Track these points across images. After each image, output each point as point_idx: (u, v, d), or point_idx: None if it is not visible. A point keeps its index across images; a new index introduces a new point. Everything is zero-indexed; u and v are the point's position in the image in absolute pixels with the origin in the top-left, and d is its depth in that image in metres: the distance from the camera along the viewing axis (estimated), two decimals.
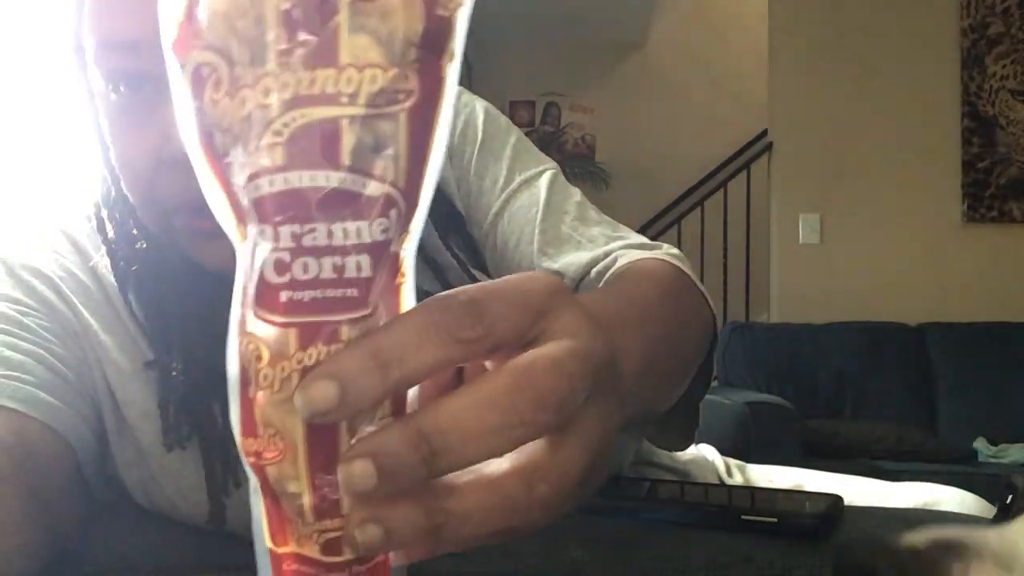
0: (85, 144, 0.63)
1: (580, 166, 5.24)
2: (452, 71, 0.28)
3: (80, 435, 0.58)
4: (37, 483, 0.51)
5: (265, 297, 0.27)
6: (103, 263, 0.64)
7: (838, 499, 0.65)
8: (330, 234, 0.26)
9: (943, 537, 0.35)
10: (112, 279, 0.64)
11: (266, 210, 0.27)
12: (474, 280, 0.70)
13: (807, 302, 3.79)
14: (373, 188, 0.27)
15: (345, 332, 0.27)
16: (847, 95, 3.85)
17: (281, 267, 0.27)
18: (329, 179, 0.26)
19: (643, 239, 0.72)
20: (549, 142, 5.33)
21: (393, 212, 0.27)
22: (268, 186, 0.26)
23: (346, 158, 0.26)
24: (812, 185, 3.90)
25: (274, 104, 0.26)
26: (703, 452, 0.93)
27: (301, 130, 0.26)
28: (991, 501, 0.83)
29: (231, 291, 0.74)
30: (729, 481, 0.90)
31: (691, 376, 0.63)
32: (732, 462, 0.94)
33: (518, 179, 0.73)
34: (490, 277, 0.73)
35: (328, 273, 0.27)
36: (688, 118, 5.33)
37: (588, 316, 0.30)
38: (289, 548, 0.28)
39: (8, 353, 0.56)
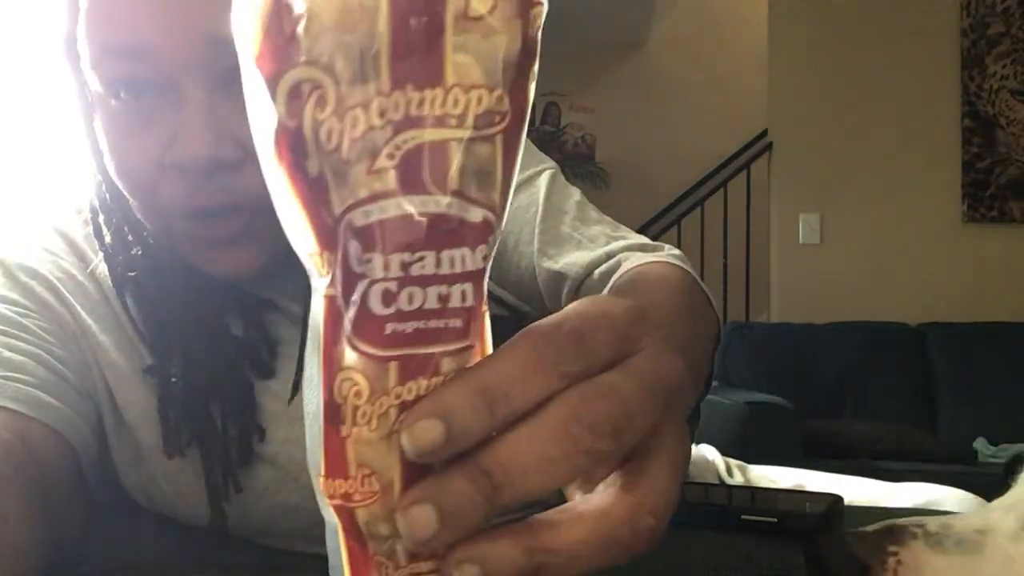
0: (79, 149, 0.63)
1: (580, 166, 5.24)
2: (532, 92, 0.27)
3: (81, 436, 0.58)
4: (39, 484, 0.51)
5: (366, 329, 0.25)
6: (101, 268, 0.64)
7: (838, 499, 0.65)
8: (438, 262, 0.26)
9: (891, 522, 0.36)
10: (111, 282, 0.64)
11: (375, 237, 0.25)
12: None
13: (807, 302, 3.79)
14: (475, 214, 0.26)
15: (446, 364, 0.26)
16: (847, 95, 3.85)
17: (388, 298, 0.25)
18: (439, 204, 0.25)
19: (644, 239, 0.71)
20: (549, 142, 5.33)
21: (491, 238, 0.27)
22: (379, 212, 0.25)
23: (454, 182, 0.26)
24: (812, 185, 3.90)
25: (386, 126, 0.25)
26: (703, 452, 0.93)
27: (412, 153, 0.25)
28: (991, 501, 0.83)
29: (228, 297, 0.73)
30: (729, 481, 0.90)
31: (701, 382, 0.63)
32: (732, 462, 0.93)
33: (517, 179, 0.72)
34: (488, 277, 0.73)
35: (433, 303, 0.26)
36: (688, 118, 5.33)
37: (664, 339, 0.30)
38: None
39: (8, 354, 0.56)
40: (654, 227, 4.55)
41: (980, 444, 3.13)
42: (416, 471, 0.26)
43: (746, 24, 5.04)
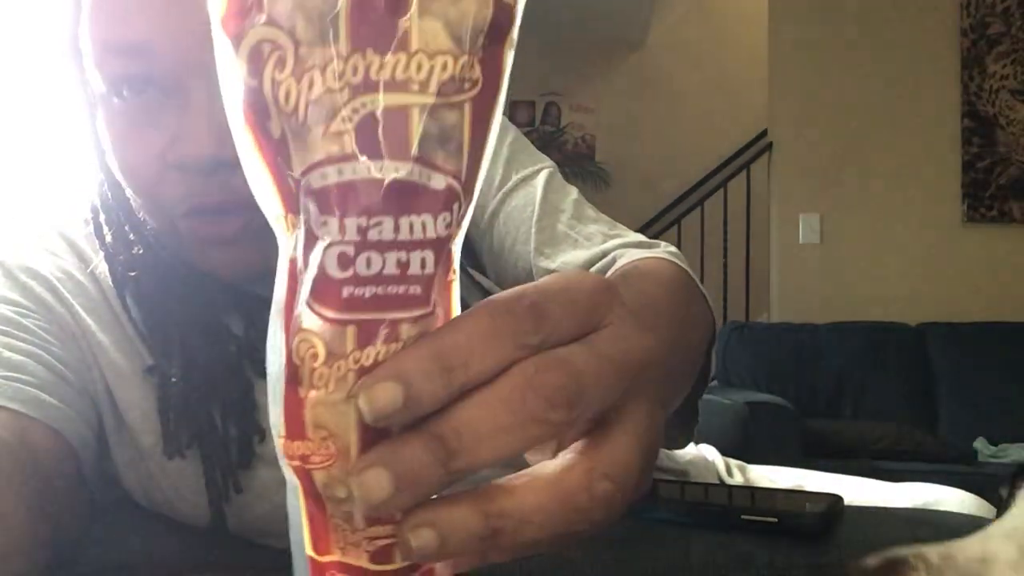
0: (80, 148, 0.63)
1: (580, 166, 5.24)
2: (510, 59, 0.27)
3: (81, 436, 0.58)
4: (39, 484, 0.51)
5: (324, 292, 0.26)
6: (102, 268, 0.64)
7: (838, 499, 0.65)
8: (396, 228, 0.25)
9: (892, 555, 0.36)
10: (111, 282, 0.64)
11: (330, 201, 0.25)
12: (471, 280, 0.70)
13: (807, 302, 3.79)
14: (438, 181, 0.26)
15: (405, 331, 0.26)
16: (847, 95, 3.85)
17: (344, 261, 0.25)
18: (398, 170, 0.25)
19: (641, 237, 0.71)
20: (549, 142, 5.33)
21: (455, 206, 0.26)
22: (336, 175, 0.25)
23: (414, 148, 0.25)
24: (812, 185, 3.90)
25: (344, 89, 0.25)
26: (703, 452, 0.93)
27: (370, 117, 0.25)
28: (991, 501, 0.83)
29: (228, 297, 0.73)
30: (729, 481, 0.90)
31: (693, 378, 0.63)
32: (732, 462, 0.93)
33: (514, 178, 0.72)
34: (487, 277, 0.73)
35: (392, 269, 0.25)
36: (688, 118, 5.33)
37: (632, 315, 0.30)
38: (333, 556, 0.27)
39: (8, 354, 0.56)
40: (654, 227, 4.55)
41: (980, 444, 3.13)
42: (373, 436, 0.26)
43: (746, 24, 5.04)
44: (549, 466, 0.28)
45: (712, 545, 0.60)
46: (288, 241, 0.27)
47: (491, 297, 0.27)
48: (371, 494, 0.25)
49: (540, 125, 5.53)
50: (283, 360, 0.27)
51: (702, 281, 0.66)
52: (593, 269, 0.67)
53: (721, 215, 4.37)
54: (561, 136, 5.53)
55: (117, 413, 0.63)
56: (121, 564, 0.60)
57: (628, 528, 0.64)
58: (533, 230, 0.70)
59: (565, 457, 0.28)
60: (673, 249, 0.67)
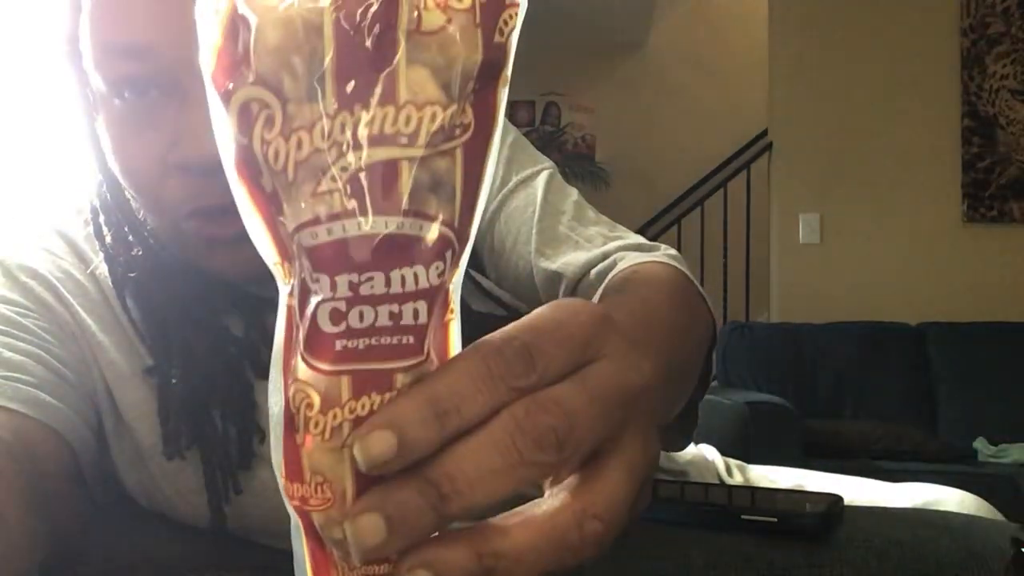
0: (80, 149, 0.63)
1: (580, 166, 5.24)
2: (504, 95, 0.27)
3: (80, 436, 0.58)
4: (38, 484, 0.51)
5: (317, 345, 0.26)
6: (101, 268, 0.64)
7: (838, 499, 0.65)
8: (388, 282, 0.25)
9: None
10: (111, 283, 0.64)
11: (322, 258, 0.25)
12: (472, 282, 0.70)
13: (807, 302, 3.79)
14: (430, 230, 0.26)
15: (399, 379, 0.26)
16: (847, 95, 3.85)
17: (337, 316, 0.25)
18: (388, 224, 0.25)
19: (641, 239, 0.71)
20: (549, 142, 5.33)
21: (448, 253, 0.26)
22: (326, 235, 0.25)
23: (405, 202, 0.25)
24: (812, 185, 3.90)
25: (332, 148, 0.25)
26: (703, 452, 0.93)
27: (359, 174, 0.25)
28: (991, 501, 0.83)
29: (228, 297, 0.73)
30: (729, 481, 0.90)
31: (693, 382, 0.63)
32: (732, 462, 0.93)
33: (515, 179, 0.72)
34: (487, 277, 0.73)
35: (384, 321, 0.25)
36: (688, 118, 5.33)
37: (628, 346, 0.30)
38: None
39: (7, 354, 0.56)
40: (654, 227, 4.55)
41: (980, 444, 3.12)
42: (368, 481, 0.26)
43: (746, 24, 5.04)
44: (542, 506, 0.28)
45: (712, 545, 0.60)
46: (285, 287, 0.27)
47: (484, 339, 0.28)
48: (365, 539, 0.25)
49: (540, 125, 5.53)
50: (281, 407, 0.27)
51: (702, 281, 0.66)
52: (593, 271, 0.67)
53: (721, 215, 4.37)
54: (561, 136, 5.53)
55: (117, 413, 0.63)
56: (121, 564, 0.60)
57: (628, 528, 0.64)
58: (534, 231, 0.70)
59: (557, 496, 0.28)
60: (673, 252, 0.67)
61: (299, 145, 0.25)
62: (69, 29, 0.58)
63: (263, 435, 0.63)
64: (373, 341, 0.26)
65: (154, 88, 0.56)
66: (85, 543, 0.59)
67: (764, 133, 4.17)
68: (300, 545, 0.28)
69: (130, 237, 0.63)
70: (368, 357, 0.26)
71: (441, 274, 0.26)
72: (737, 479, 0.91)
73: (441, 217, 0.26)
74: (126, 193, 0.63)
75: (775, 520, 0.61)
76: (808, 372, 3.41)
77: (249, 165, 0.26)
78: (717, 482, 0.88)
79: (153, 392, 0.62)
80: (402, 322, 0.26)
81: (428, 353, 0.27)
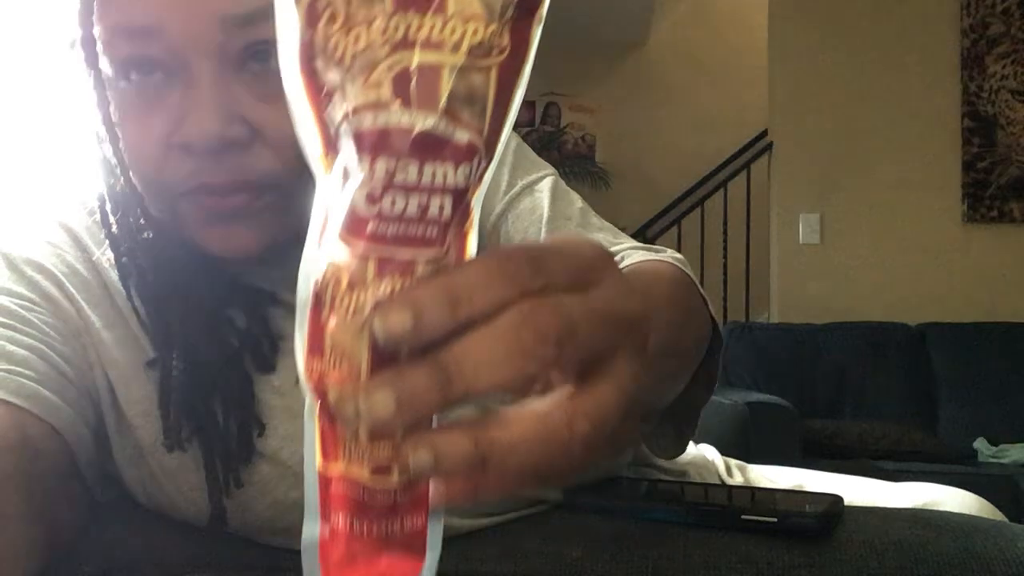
0: (90, 135, 0.63)
1: (580, 166, 5.24)
2: (537, 32, 0.30)
3: (78, 434, 0.58)
4: (38, 481, 0.51)
5: (352, 226, 0.28)
6: (106, 257, 0.64)
7: (838, 499, 0.65)
8: (420, 173, 0.28)
9: None
10: (114, 275, 0.64)
11: (365, 143, 0.28)
12: None
13: (807, 302, 3.79)
14: (461, 135, 0.29)
15: (420, 268, 0.29)
16: (847, 95, 3.85)
17: (372, 199, 0.28)
18: (426, 121, 0.28)
19: (646, 246, 0.72)
20: (549, 142, 5.33)
21: (475, 160, 0.29)
22: (371, 121, 0.28)
23: (443, 103, 0.28)
24: (812, 185, 3.90)
25: (385, 44, 0.28)
26: (703, 452, 0.93)
27: (406, 71, 0.28)
28: (991, 501, 0.83)
29: (232, 289, 0.73)
30: (729, 481, 0.90)
31: (685, 379, 0.63)
32: (732, 462, 0.94)
33: (520, 184, 0.73)
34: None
35: (413, 210, 0.28)
36: (688, 118, 5.33)
37: (625, 280, 0.33)
38: (339, 470, 0.30)
39: (11, 348, 0.56)
40: (654, 227, 4.55)
41: (980, 444, 3.13)
42: (382, 361, 0.28)
43: (746, 24, 5.04)
44: (536, 404, 0.30)
45: (712, 545, 0.60)
46: (325, 179, 0.30)
47: (500, 245, 0.30)
48: (375, 412, 0.28)
49: (540, 125, 5.53)
50: (311, 287, 0.29)
51: (702, 282, 0.66)
52: None
53: (721, 215, 4.37)
54: (561, 136, 5.53)
55: (119, 411, 0.63)
56: (121, 564, 0.60)
57: (628, 528, 0.64)
58: (543, 232, 0.70)
59: (551, 399, 0.31)
60: (679, 256, 0.68)
61: (357, 39, 0.28)
62: (83, 15, 0.58)
63: (263, 428, 0.63)
64: (400, 229, 0.28)
65: (160, 69, 0.57)
66: (85, 543, 0.59)
67: (764, 133, 4.17)
68: (312, 426, 0.30)
69: (141, 220, 0.63)
70: (394, 243, 0.28)
71: (467, 177, 0.29)
72: (737, 479, 0.91)
73: (472, 125, 0.29)
74: (132, 179, 0.63)
75: (775, 520, 0.61)
76: (808, 372, 3.41)
77: (309, 57, 0.29)
78: (717, 482, 0.88)
79: (155, 388, 0.62)
80: (428, 214, 0.29)
81: (448, 249, 0.29)
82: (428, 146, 0.28)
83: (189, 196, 0.58)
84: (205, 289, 0.63)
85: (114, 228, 0.64)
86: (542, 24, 0.30)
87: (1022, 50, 3.81)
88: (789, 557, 0.58)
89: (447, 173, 0.28)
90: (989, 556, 0.57)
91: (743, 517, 0.62)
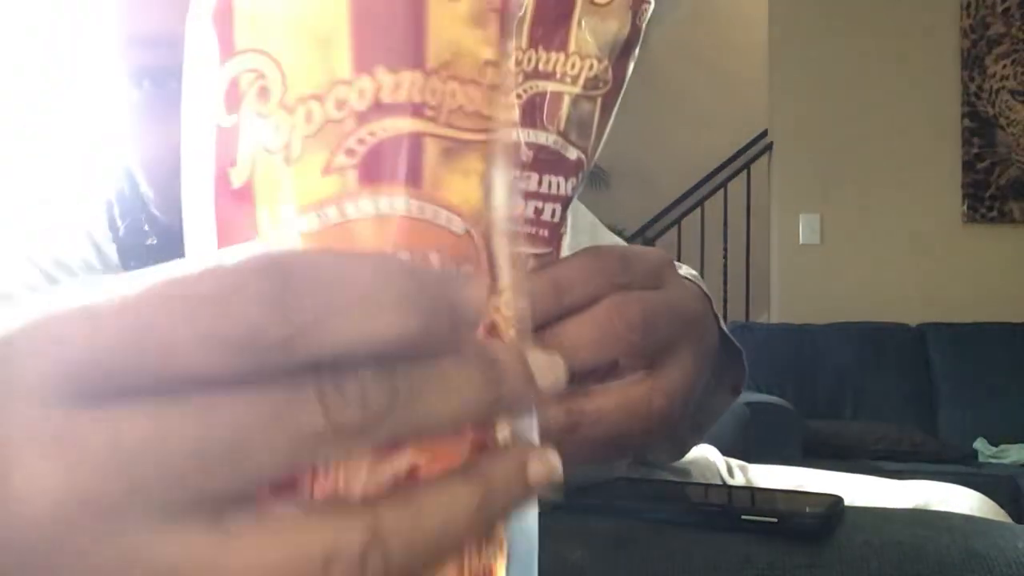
0: (103, 142, 0.63)
1: None
2: (631, 68, 0.36)
3: None
4: None
5: None
6: (109, 251, 0.65)
7: (838, 499, 0.65)
8: (540, 182, 0.33)
9: None
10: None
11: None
12: None
13: (807, 302, 3.79)
14: (572, 152, 0.34)
15: (529, 263, 0.34)
16: (847, 95, 3.85)
17: None
18: (547, 138, 0.33)
19: None
20: None
21: (581, 175, 0.34)
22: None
23: (561, 125, 0.33)
24: (812, 185, 3.90)
25: (520, 73, 0.33)
26: (704, 452, 0.93)
27: (537, 96, 0.33)
28: (993, 501, 0.83)
29: None
30: (729, 481, 0.90)
31: (703, 387, 0.64)
32: (733, 462, 0.94)
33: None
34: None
35: (530, 213, 0.34)
36: (688, 118, 5.33)
37: (685, 282, 0.39)
38: None
39: None
40: (654, 227, 4.55)
41: (980, 444, 3.13)
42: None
43: (746, 24, 5.04)
44: (620, 383, 0.35)
45: (712, 545, 0.60)
46: None
47: (593, 246, 0.36)
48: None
49: None
50: None
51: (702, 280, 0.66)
52: None
53: (721, 215, 4.37)
54: None
55: None
56: None
57: (628, 528, 0.64)
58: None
59: (632, 379, 0.36)
60: (694, 272, 0.70)
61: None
62: (95, 22, 0.58)
63: None
64: (520, 227, 0.33)
65: (174, 79, 0.57)
66: None
67: (764, 133, 4.17)
68: None
69: (146, 227, 0.63)
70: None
71: (575, 188, 0.34)
72: (738, 479, 0.91)
73: (581, 144, 0.34)
74: (140, 188, 0.63)
75: (775, 520, 0.61)
76: (808, 372, 3.41)
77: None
78: (718, 482, 0.88)
79: None
80: (542, 217, 0.34)
81: (554, 249, 0.35)
82: (546, 160, 0.33)
83: None
84: None
85: (121, 232, 0.64)
86: (634, 61, 0.35)
87: (1022, 50, 3.81)
88: (789, 557, 0.58)
89: (560, 184, 0.34)
90: (989, 556, 0.57)
91: (743, 517, 0.62)
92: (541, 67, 0.33)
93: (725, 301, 4.27)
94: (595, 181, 5.21)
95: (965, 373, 3.33)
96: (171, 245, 0.63)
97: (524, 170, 0.33)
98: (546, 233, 0.34)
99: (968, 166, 3.82)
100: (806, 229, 3.90)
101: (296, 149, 0.22)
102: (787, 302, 3.89)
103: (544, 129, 0.33)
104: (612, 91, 0.35)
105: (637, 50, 0.35)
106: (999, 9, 3.83)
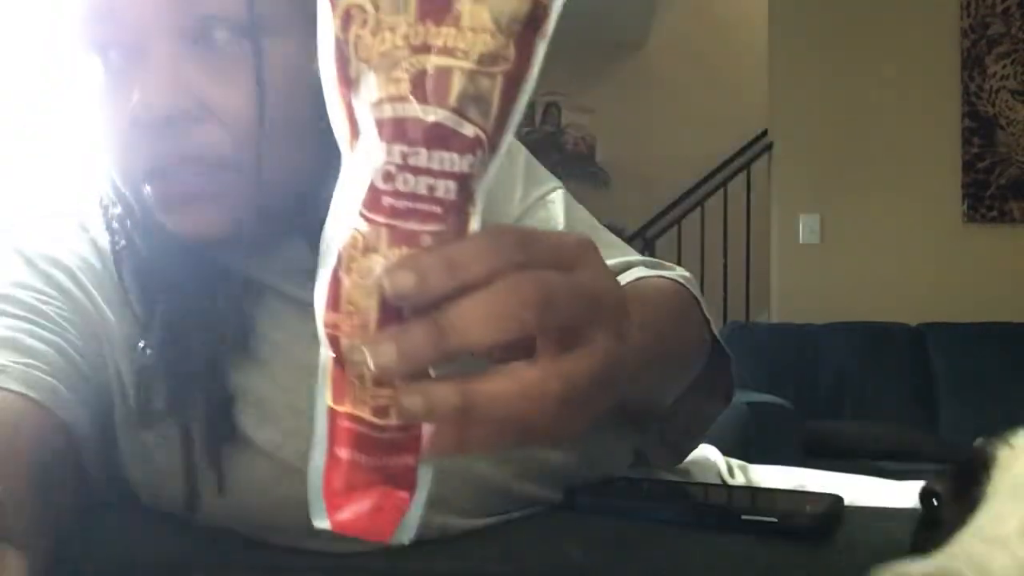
0: (88, 125, 0.64)
1: (580, 167, 5.24)
2: (542, 47, 0.35)
3: (85, 431, 0.58)
4: (52, 476, 0.51)
5: (371, 199, 0.33)
6: (103, 241, 0.65)
7: (838, 499, 0.65)
8: (430, 158, 0.33)
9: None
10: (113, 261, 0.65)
11: (385, 129, 0.33)
12: None
13: (807, 302, 3.79)
14: (467, 129, 0.33)
15: (425, 240, 0.33)
16: (847, 95, 3.85)
17: (388, 177, 0.33)
18: (437, 114, 0.33)
19: (656, 261, 0.74)
20: (549, 142, 5.33)
21: (479, 152, 0.34)
22: (391, 111, 0.33)
23: (453, 100, 0.33)
24: (812, 185, 3.90)
25: (406, 47, 0.33)
26: (704, 452, 0.93)
27: (423, 71, 0.33)
28: None
29: (225, 281, 0.73)
30: (730, 481, 0.90)
31: (680, 386, 0.64)
32: (734, 462, 0.94)
33: (534, 195, 0.75)
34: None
35: (422, 190, 0.33)
36: (688, 118, 5.32)
37: (604, 266, 0.38)
38: (346, 408, 0.35)
39: (29, 342, 0.56)
40: (654, 227, 4.55)
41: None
42: (388, 318, 0.34)
43: (746, 24, 5.04)
44: (516, 365, 0.35)
45: (712, 545, 0.60)
46: (350, 158, 0.35)
47: (494, 224, 0.35)
48: (380, 360, 0.32)
49: (540, 125, 5.53)
50: (334, 250, 0.34)
51: (702, 282, 0.67)
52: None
53: (721, 215, 4.37)
54: (561, 137, 5.52)
55: (128, 406, 0.63)
56: (125, 564, 0.60)
57: (628, 528, 0.64)
58: None
59: (530, 362, 0.35)
60: (687, 274, 0.70)
61: (383, 40, 0.33)
62: (59, 9, 0.59)
63: (256, 419, 0.63)
64: (412, 204, 0.33)
65: (119, 51, 0.57)
66: (86, 543, 0.59)
67: (764, 133, 4.17)
68: (325, 377, 0.35)
69: (123, 209, 0.64)
70: (406, 216, 0.33)
71: (471, 166, 0.34)
72: (739, 479, 0.91)
73: (478, 122, 0.34)
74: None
75: (775, 520, 0.61)
76: (808, 372, 3.41)
77: (341, 56, 0.35)
78: (718, 482, 0.88)
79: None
80: (435, 194, 0.33)
81: (450, 226, 0.34)
82: (438, 137, 0.33)
83: (149, 180, 0.59)
84: (196, 281, 0.64)
85: (111, 212, 0.64)
86: (547, 40, 0.35)
87: (1022, 50, 3.81)
88: (789, 557, 0.58)
89: (453, 160, 0.33)
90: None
91: (743, 517, 0.62)
92: (431, 41, 0.33)
93: (725, 301, 4.27)
94: (595, 181, 5.21)
95: (965, 373, 3.33)
96: (150, 232, 0.63)
97: (412, 145, 0.33)
98: (439, 210, 0.33)
99: (968, 166, 3.82)
100: (806, 229, 3.90)
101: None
102: (787, 302, 3.89)
103: (434, 104, 0.33)
104: (516, 69, 0.34)
105: (548, 27, 0.35)
106: (999, 9, 3.82)
